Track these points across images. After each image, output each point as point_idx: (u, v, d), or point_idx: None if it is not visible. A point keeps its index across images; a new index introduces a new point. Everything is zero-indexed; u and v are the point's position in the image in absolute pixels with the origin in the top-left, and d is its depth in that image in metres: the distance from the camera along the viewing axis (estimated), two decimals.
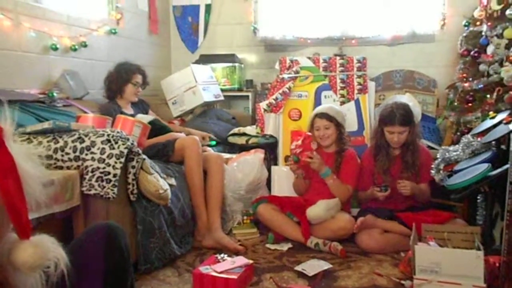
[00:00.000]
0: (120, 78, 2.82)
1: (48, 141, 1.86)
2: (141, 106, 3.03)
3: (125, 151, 1.88)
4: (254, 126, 3.32)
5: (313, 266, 2.10)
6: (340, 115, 2.72)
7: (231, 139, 3.29)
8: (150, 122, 2.61)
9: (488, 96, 2.77)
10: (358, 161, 2.67)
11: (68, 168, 1.83)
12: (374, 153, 2.59)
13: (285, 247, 2.45)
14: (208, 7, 4.15)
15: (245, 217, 2.70)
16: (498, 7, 2.83)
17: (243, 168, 2.77)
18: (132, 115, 2.69)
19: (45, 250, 0.88)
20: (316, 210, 2.42)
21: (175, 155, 2.56)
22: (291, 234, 2.49)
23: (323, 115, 2.67)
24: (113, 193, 1.83)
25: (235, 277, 1.87)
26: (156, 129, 2.70)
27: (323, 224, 2.44)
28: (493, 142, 2.23)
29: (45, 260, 0.87)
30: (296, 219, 2.51)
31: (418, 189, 2.49)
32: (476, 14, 3.03)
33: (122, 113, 2.67)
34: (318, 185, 2.64)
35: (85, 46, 2.93)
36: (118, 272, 1.16)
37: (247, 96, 3.96)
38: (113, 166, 1.84)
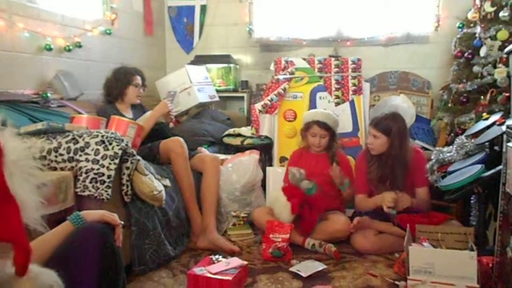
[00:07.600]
0: (120, 81, 2.76)
1: (41, 142, 1.85)
2: (140, 109, 2.93)
3: (119, 152, 1.88)
4: (249, 127, 3.32)
5: (308, 267, 2.11)
6: (336, 123, 2.76)
7: (226, 140, 3.29)
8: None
9: (482, 97, 2.79)
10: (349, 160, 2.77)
11: (62, 169, 1.82)
12: (368, 158, 2.59)
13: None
14: (203, 8, 4.15)
15: (238, 218, 2.68)
16: (492, 9, 2.85)
17: (238, 169, 2.76)
18: (132, 119, 2.65)
19: (41, 284, 0.85)
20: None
21: (162, 157, 2.55)
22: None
23: (323, 125, 2.67)
24: (107, 194, 1.83)
25: (229, 278, 1.86)
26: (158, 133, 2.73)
27: (320, 227, 2.45)
28: (487, 143, 2.25)
29: None
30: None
31: (415, 200, 2.43)
32: (470, 16, 3.04)
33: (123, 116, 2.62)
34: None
35: (80, 46, 2.92)
36: (111, 273, 1.17)
37: (242, 97, 3.97)
38: (107, 167, 1.83)
